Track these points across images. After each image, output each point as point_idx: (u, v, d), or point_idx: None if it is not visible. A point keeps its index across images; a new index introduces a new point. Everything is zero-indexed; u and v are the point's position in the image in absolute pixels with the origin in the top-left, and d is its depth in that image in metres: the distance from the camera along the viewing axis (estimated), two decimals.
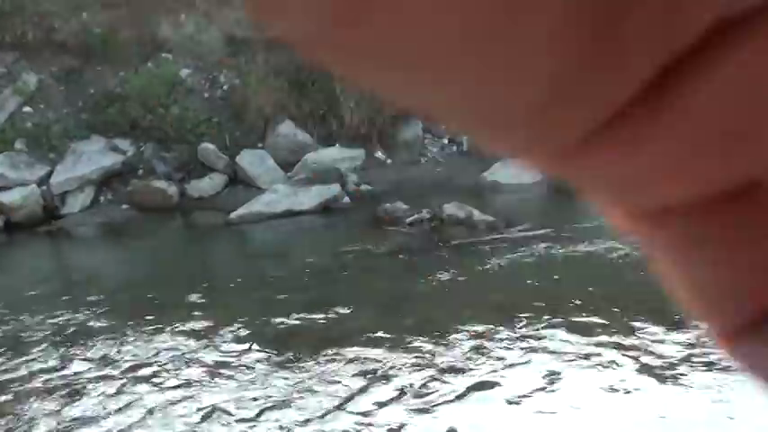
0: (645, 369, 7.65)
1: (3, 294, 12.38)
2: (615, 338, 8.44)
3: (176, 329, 9.95)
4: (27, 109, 20.76)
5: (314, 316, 10.09)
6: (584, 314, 9.22)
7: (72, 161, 19.06)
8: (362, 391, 7.63)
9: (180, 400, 7.70)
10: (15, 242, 16.02)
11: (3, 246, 15.44)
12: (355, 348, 8.74)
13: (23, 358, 9.32)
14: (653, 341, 8.26)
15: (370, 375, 7.99)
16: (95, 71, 18.95)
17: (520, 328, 8.95)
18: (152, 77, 19.85)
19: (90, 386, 8.22)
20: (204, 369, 8.54)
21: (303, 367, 8.34)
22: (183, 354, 9.06)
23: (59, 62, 21.06)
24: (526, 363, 8.00)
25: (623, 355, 8.02)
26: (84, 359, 9.14)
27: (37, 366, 9.03)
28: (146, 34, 18.52)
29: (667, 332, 8.36)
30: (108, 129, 19.61)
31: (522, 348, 8.38)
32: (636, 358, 7.91)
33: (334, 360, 8.45)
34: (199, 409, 7.47)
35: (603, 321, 8.95)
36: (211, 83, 19.69)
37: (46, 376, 8.63)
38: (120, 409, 7.60)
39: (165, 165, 18.95)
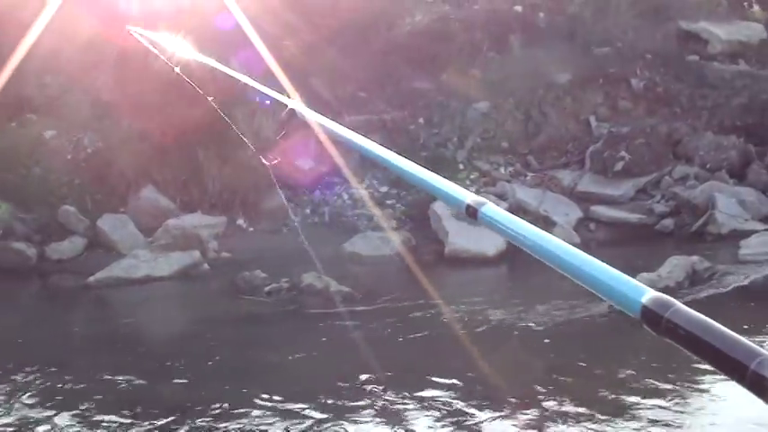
0: None
1: None
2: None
3: (19, 394, 9.88)
4: None
5: (157, 386, 10.16)
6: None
7: None
8: None
9: None
10: None
11: None
12: (197, 420, 8.86)
13: None
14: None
15: None
16: None
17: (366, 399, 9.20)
18: (15, 137, 19.65)
19: None
20: None
21: None
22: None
23: None
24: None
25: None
26: None
27: None
28: (10, 94, 18.33)
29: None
30: None
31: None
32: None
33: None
34: None
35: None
36: (75, 145, 19.57)
37: None
38: None
39: (24, 226, 18.69)
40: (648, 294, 1.37)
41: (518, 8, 22.45)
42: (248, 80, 3.61)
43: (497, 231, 1.88)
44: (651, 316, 1.34)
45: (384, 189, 18.99)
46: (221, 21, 17.62)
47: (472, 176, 19.88)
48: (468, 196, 1.98)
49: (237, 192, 18.47)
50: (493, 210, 1.89)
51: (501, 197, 18.75)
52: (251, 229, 18.59)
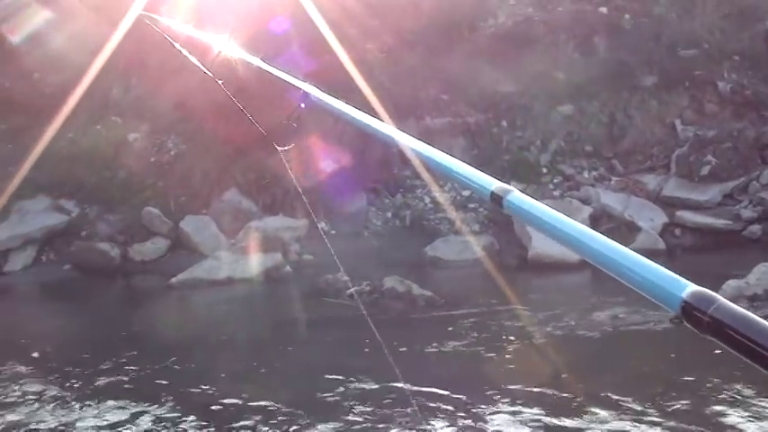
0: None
1: None
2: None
3: (106, 393, 9.93)
4: None
5: (238, 386, 10.13)
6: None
7: (16, 219, 19.02)
8: None
9: None
10: None
11: None
12: (274, 420, 8.79)
13: None
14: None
15: None
16: (44, 131, 18.96)
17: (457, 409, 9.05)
18: (100, 140, 19.94)
19: None
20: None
21: None
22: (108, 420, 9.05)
23: (8, 120, 21.08)
24: None
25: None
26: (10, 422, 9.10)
27: None
28: (96, 97, 18.61)
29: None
30: (54, 189, 19.62)
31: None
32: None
33: None
34: None
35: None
36: (159, 147, 19.78)
37: None
38: None
39: (109, 227, 18.94)
40: (689, 288, 1.26)
41: (603, 9, 22.06)
42: (261, 63, 3.48)
43: (524, 220, 1.78)
44: (692, 312, 1.23)
45: (467, 193, 18.77)
46: (275, 25, 17.70)
47: (555, 180, 19.59)
48: (493, 183, 1.85)
49: (319, 194, 18.44)
50: (520, 198, 1.76)
51: (585, 201, 18.45)
52: (332, 231, 18.55)
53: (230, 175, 18.62)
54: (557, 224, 1.62)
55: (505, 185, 1.81)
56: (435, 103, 20.46)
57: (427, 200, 19.08)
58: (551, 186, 19.35)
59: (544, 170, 19.84)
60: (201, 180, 18.85)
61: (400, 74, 19.92)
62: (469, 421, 8.67)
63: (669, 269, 1.33)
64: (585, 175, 19.91)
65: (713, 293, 1.22)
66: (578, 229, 1.56)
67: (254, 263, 16.85)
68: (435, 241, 17.67)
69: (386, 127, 2.46)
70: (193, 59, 3.49)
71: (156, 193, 19.15)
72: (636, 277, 1.38)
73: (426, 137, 19.84)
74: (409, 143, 2.26)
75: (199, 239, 18.26)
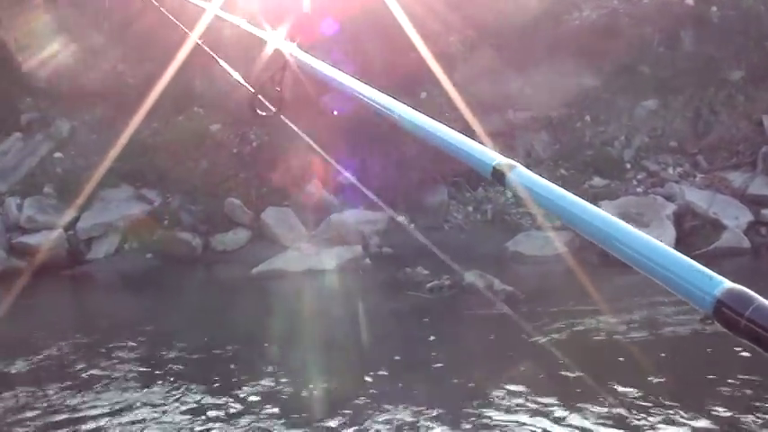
0: None
1: (23, 335, 12.52)
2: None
3: (193, 382, 10.00)
4: (58, 154, 21.07)
5: (328, 375, 10.13)
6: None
7: (99, 208, 19.29)
8: None
9: None
10: (39, 284, 16.12)
11: (27, 287, 15.49)
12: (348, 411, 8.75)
13: (37, 399, 9.41)
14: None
15: None
16: (127, 121, 19.17)
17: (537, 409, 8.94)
18: (183, 130, 20.12)
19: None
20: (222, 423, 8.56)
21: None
22: (195, 409, 9.10)
23: (92, 111, 21.38)
24: None
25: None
26: (96, 406, 9.19)
27: (51, 407, 9.13)
28: (179, 88, 18.73)
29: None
30: (137, 178, 19.86)
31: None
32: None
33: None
34: None
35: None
36: (241, 139, 19.90)
37: (58, 418, 8.70)
38: None
39: (191, 217, 19.12)
40: (724, 286, 1.12)
41: (689, 2, 21.61)
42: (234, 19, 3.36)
43: (528, 200, 1.59)
44: (727, 313, 1.09)
45: None
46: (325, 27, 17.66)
47: (639, 177, 19.28)
48: (495, 158, 1.70)
49: (399, 188, 18.37)
50: (524, 174, 1.61)
51: (669, 198, 18.13)
52: (412, 224, 18.48)
53: (311, 167, 18.62)
54: (569, 207, 1.47)
55: (509, 161, 1.66)
56: (518, 97, 20.26)
57: (509, 194, 18.89)
58: (635, 183, 19.05)
59: (627, 166, 19.54)
60: (283, 172, 18.89)
61: (482, 67, 19.76)
62: (547, 419, 8.54)
63: (754, 269, 1.19)
64: (670, 171, 19.57)
65: (752, 293, 1.10)
66: (596, 214, 1.42)
67: (334, 255, 16.88)
68: (517, 236, 17.51)
69: (378, 95, 2.29)
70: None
71: (237, 184, 19.28)
72: (662, 271, 1.23)
73: (508, 131, 19.80)
74: (402, 112, 2.14)
75: (279, 231, 18.35)
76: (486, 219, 18.68)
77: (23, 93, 21.65)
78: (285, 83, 3.11)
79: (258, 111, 3.30)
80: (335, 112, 19.38)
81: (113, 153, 18.44)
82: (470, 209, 18.94)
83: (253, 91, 3.29)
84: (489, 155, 1.73)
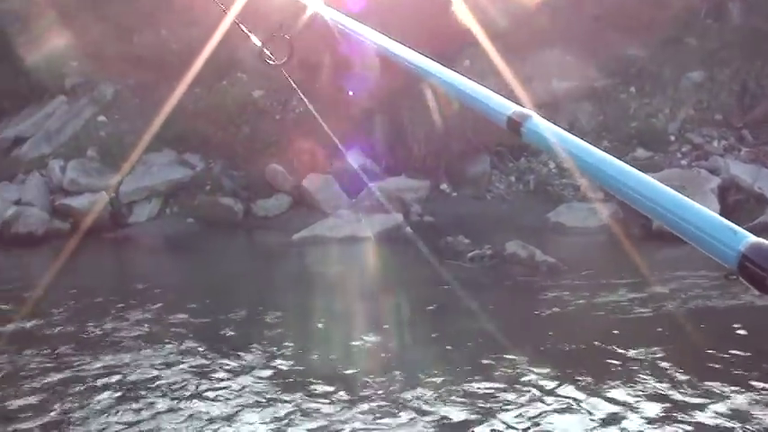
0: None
1: (65, 296, 12.64)
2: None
3: (230, 344, 10.05)
4: (101, 118, 21.21)
5: (365, 343, 10.12)
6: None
7: (142, 172, 19.42)
8: None
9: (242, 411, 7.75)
10: (82, 246, 16.23)
11: (69, 249, 15.61)
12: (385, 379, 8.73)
13: (85, 358, 9.50)
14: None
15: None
16: (171, 86, 19.22)
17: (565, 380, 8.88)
18: (226, 96, 20.15)
19: (143, 391, 8.34)
20: (262, 386, 8.59)
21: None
22: (234, 368, 9.13)
23: (136, 75, 21.46)
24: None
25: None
26: (141, 365, 9.27)
27: (97, 367, 9.22)
28: (222, 54, 18.73)
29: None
30: (179, 143, 19.94)
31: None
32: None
33: (383, 396, 8.43)
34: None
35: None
36: (283, 105, 19.90)
37: (105, 380, 8.78)
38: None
39: (233, 182, 19.19)
40: (748, 240, 1.07)
41: None
42: None
43: (545, 149, 1.58)
44: (751, 269, 1.05)
45: None
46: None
47: (683, 150, 19.09)
48: (511, 107, 1.66)
49: (442, 156, 18.33)
50: (540, 123, 1.58)
51: (713, 172, 17.93)
52: (454, 194, 18.45)
53: (354, 135, 18.60)
54: (585, 156, 1.44)
55: (525, 110, 1.63)
56: (561, 65, 20.08)
57: (552, 165, 18.80)
58: (679, 156, 18.87)
59: (672, 138, 19.34)
60: (325, 139, 18.85)
61: (525, 34, 19.57)
62: (587, 392, 8.48)
63: None
64: (714, 144, 19.35)
65: None
66: (613, 163, 1.38)
67: (375, 223, 16.87)
68: (559, 207, 17.41)
69: (397, 45, 2.24)
70: None
71: (279, 151, 19.30)
72: (684, 225, 1.20)
73: (551, 101, 19.59)
74: (420, 62, 2.09)
75: (321, 197, 18.38)
76: (528, 189, 18.59)
77: (68, 56, 21.76)
78: (295, 31, 3.10)
79: (267, 60, 3.35)
80: (351, 92, 19.40)
81: (159, 118, 18.48)
82: (513, 179, 18.86)
83: (259, 44, 3.34)
84: (505, 104, 1.70)
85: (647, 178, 1.30)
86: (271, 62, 3.31)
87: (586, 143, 1.45)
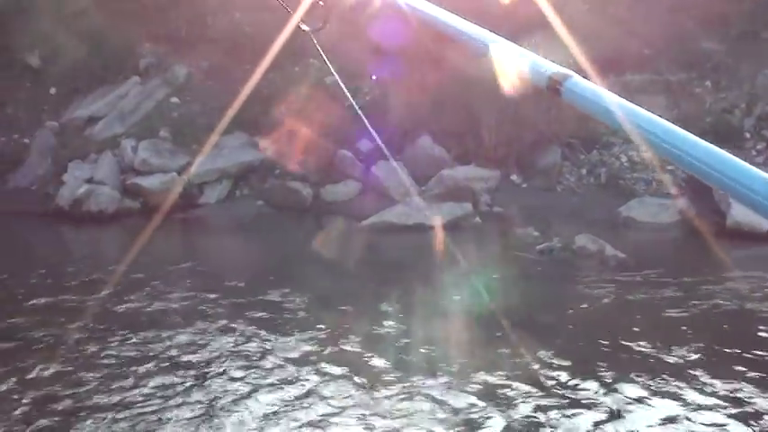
0: None
1: (136, 275, 12.82)
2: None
3: (296, 331, 10.10)
4: (174, 99, 21.45)
5: (431, 333, 10.11)
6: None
7: (213, 154, 19.59)
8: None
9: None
10: (153, 226, 16.42)
11: (140, 229, 15.81)
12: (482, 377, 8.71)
13: (160, 335, 9.63)
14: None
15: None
16: (243, 69, 19.36)
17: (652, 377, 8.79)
18: (298, 81, 20.23)
19: (215, 367, 8.42)
20: (322, 374, 8.63)
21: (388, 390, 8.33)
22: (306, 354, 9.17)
23: (209, 58, 21.65)
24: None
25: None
26: (210, 343, 9.36)
27: (170, 343, 9.34)
28: (295, 39, 18.83)
29: None
30: (251, 126, 20.08)
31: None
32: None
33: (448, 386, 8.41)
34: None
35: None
36: (354, 92, 19.92)
37: (184, 357, 8.88)
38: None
39: (302, 167, 19.28)
40: None
41: None
42: None
43: (586, 110, 1.52)
44: None
45: None
46: None
47: (759, 147, 18.78)
48: (550, 68, 1.61)
49: (513, 146, 18.24)
50: (581, 84, 1.53)
51: None
52: (524, 185, 18.35)
53: (424, 122, 18.60)
54: (628, 115, 1.39)
55: (565, 70, 1.58)
56: (637, 58, 19.84)
57: (624, 158, 18.61)
58: (754, 153, 18.58)
59: (747, 135, 19.03)
60: (395, 126, 18.89)
61: (601, 26, 19.36)
62: (657, 389, 8.39)
63: None
64: None
65: None
66: (656, 122, 1.35)
67: (444, 211, 16.85)
68: (630, 201, 17.23)
69: (432, 7, 2.19)
70: None
71: (350, 137, 19.33)
72: (741, 189, 1.16)
73: (625, 94, 19.29)
74: (454, 22, 2.05)
75: (390, 184, 18.39)
76: (599, 182, 18.42)
77: (142, 38, 22.02)
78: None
79: (301, 27, 3.26)
80: (374, 77, 19.32)
81: (237, 101, 18.59)
82: (584, 171, 18.70)
83: (289, 11, 3.24)
84: (545, 65, 1.65)
85: (696, 139, 1.29)
86: (304, 29, 3.27)
87: (628, 102, 1.43)
